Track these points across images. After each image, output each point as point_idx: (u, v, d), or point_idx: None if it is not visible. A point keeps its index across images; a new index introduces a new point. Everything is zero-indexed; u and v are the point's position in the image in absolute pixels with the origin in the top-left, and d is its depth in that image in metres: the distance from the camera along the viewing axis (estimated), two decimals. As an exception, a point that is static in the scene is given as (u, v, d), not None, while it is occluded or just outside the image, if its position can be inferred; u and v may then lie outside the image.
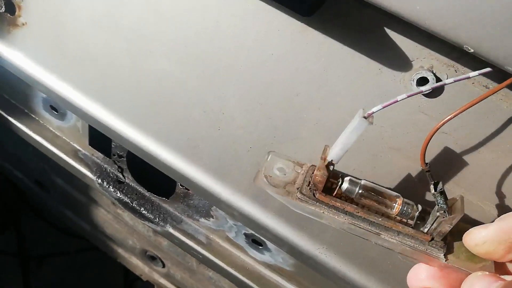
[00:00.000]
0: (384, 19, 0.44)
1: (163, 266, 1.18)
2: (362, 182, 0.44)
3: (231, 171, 0.60)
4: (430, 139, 0.41)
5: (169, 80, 0.59)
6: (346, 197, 0.45)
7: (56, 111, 0.81)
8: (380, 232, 0.43)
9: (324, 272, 0.60)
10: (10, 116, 0.87)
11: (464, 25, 0.34)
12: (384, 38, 0.45)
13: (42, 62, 0.68)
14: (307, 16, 0.45)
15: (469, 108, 0.39)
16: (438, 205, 0.43)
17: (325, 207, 0.44)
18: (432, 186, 0.43)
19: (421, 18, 0.35)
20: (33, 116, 0.86)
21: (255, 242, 0.73)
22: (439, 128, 0.39)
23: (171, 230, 0.78)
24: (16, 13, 0.67)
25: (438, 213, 0.42)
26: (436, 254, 0.43)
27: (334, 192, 0.44)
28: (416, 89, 0.44)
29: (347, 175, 0.45)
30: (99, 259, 1.53)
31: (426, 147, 0.41)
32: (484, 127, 0.45)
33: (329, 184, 0.45)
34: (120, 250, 1.31)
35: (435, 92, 0.45)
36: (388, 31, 0.45)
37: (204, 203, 0.74)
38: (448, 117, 0.39)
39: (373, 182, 0.45)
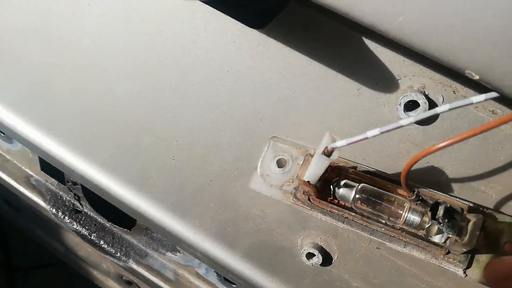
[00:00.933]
0: (362, 28, 0.35)
1: (141, 291, 1.09)
2: (360, 186, 0.37)
3: (191, 207, 0.51)
4: (410, 168, 0.32)
5: (112, 100, 0.50)
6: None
7: (3, 132, 0.71)
8: (384, 242, 0.39)
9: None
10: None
11: (466, 43, 0.24)
12: (362, 51, 0.36)
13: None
14: (259, 28, 0.35)
15: (464, 139, 0.29)
16: (443, 229, 0.35)
17: (320, 213, 0.40)
18: (429, 213, 0.34)
19: (404, 33, 0.25)
20: (-19, 137, 0.77)
21: (228, 280, 0.64)
22: (420, 159, 0.30)
23: (134, 266, 0.69)
24: None
25: (449, 235, 0.35)
26: (453, 269, 0.38)
27: (331, 196, 0.40)
28: (404, 116, 0.35)
29: (348, 174, 0.39)
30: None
31: (406, 176, 0.33)
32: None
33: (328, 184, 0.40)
34: (96, 273, 1.22)
35: (428, 119, 0.36)
36: (367, 42, 0.36)
37: (169, 237, 0.64)
38: (436, 147, 0.29)
39: (381, 179, 0.38)
